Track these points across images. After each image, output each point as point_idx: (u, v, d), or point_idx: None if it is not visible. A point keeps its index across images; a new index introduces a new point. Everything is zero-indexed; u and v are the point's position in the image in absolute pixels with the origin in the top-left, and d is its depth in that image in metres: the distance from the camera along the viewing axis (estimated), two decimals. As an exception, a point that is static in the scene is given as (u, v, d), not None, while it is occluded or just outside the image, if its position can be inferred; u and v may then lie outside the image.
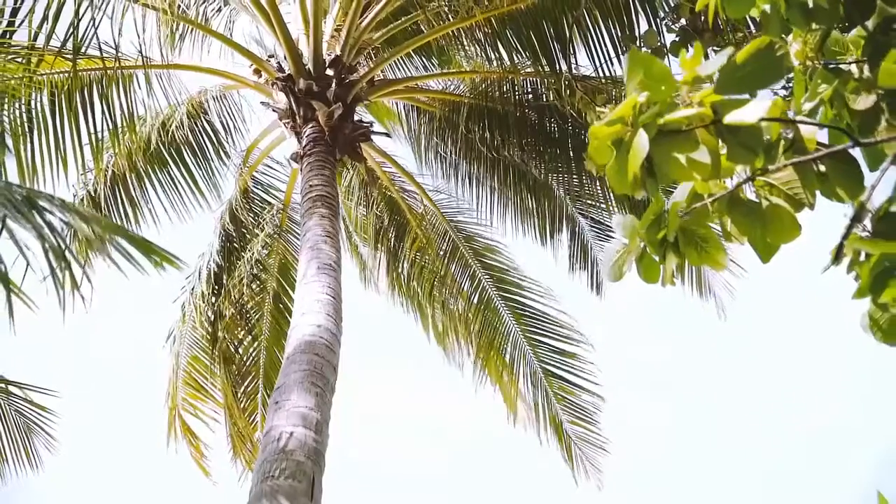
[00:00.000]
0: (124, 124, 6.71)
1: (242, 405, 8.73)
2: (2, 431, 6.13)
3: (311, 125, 6.75)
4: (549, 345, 8.78)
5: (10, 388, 6.00)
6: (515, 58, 7.12)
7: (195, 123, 8.04)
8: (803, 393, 18.23)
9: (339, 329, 4.75)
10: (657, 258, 2.20)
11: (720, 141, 1.89)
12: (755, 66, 1.89)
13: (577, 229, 8.91)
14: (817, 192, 2.02)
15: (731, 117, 1.83)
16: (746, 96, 1.89)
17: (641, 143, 1.76)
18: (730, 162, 1.97)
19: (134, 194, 8.04)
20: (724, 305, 8.62)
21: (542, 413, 8.71)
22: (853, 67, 2.24)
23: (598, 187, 8.26)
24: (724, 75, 1.88)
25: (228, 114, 8.26)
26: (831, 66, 2.29)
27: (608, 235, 8.96)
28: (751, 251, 2.01)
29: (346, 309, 5.10)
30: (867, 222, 2.09)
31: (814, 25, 2.23)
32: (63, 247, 2.28)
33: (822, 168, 2.09)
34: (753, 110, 1.80)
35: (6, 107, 5.89)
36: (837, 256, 2.00)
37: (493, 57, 7.22)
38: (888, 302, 2.05)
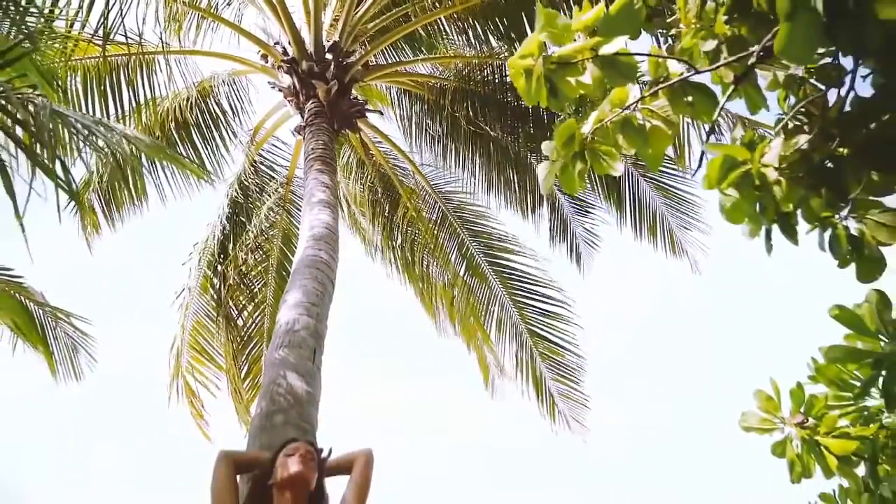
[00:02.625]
0: (147, 104, 7.53)
1: (245, 369, 9.21)
2: (55, 347, 7.16)
3: (312, 101, 7.60)
4: (535, 306, 9.44)
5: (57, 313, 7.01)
6: (493, 42, 7.95)
7: (207, 105, 8.81)
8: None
9: (335, 253, 5.65)
10: (571, 168, 3.04)
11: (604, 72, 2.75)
12: (620, 15, 2.74)
13: (556, 204, 9.61)
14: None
15: (603, 50, 2.69)
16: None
17: (538, 67, 2.62)
18: (611, 86, 2.83)
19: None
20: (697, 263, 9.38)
21: (524, 370, 9.42)
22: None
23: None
24: (601, 23, 2.74)
25: (236, 97, 9.02)
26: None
27: (586, 210, 9.75)
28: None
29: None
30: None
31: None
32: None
33: (690, 98, 2.95)
34: (614, 45, 2.67)
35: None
36: (701, 161, 2.87)
37: (473, 43, 8.05)
38: (725, 188, 2.90)
